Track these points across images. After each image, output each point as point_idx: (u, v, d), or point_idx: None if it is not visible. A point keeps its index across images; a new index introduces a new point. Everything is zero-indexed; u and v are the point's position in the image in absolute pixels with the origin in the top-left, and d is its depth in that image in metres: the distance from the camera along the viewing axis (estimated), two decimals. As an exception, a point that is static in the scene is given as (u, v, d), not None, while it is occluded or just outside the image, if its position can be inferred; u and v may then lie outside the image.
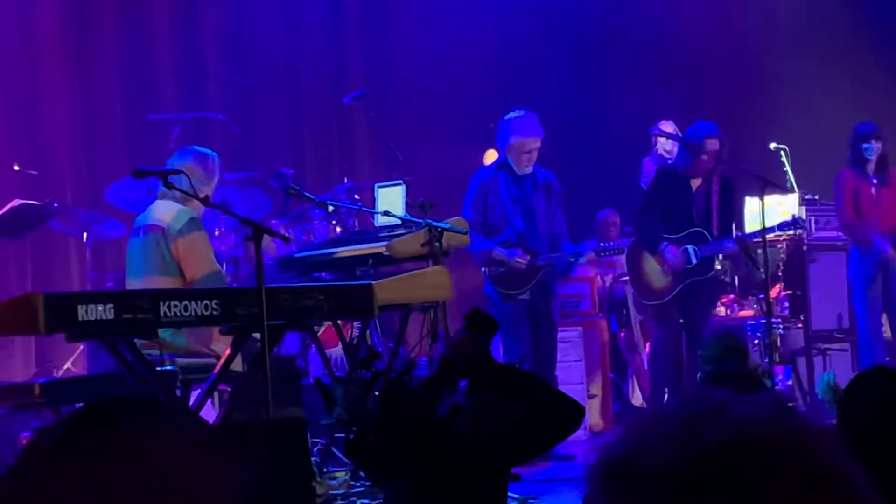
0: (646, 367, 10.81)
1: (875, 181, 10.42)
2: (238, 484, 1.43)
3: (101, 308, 5.79)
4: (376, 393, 3.92)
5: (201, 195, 7.14)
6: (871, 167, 10.42)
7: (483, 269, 9.48)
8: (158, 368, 6.71)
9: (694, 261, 9.85)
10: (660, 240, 9.86)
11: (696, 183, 10.04)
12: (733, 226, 10.30)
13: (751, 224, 11.05)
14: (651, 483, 1.29)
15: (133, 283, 7.39)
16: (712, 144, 9.88)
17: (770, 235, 9.76)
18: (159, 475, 1.37)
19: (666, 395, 10.29)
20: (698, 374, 5.22)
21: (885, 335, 10.66)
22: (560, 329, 9.84)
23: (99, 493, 1.35)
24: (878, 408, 3.26)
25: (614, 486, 1.32)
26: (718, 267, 11.14)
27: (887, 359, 10.41)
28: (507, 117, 9.51)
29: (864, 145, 10.39)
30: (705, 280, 9.97)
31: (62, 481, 1.35)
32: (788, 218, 10.86)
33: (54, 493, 1.35)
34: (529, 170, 9.45)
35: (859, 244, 10.43)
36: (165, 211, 7.37)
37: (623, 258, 10.35)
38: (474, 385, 3.99)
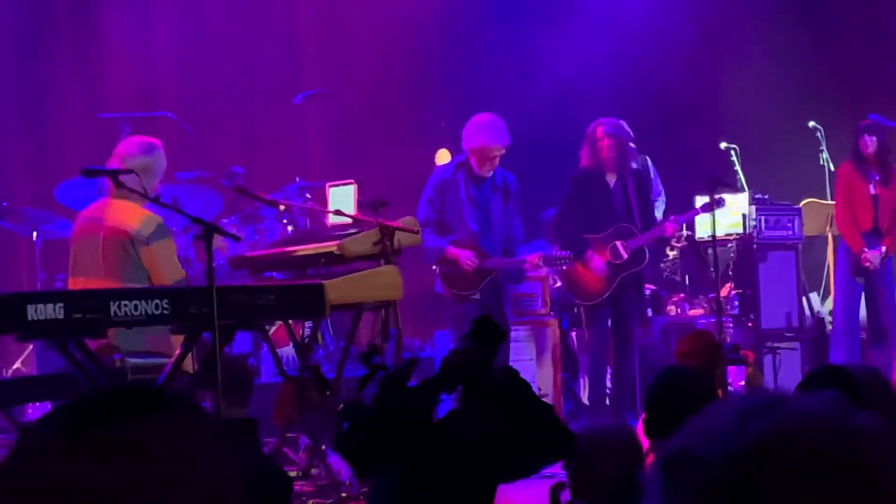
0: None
1: (877, 178, 10.48)
2: (240, 472, 1.42)
3: (50, 308, 5.76)
4: (374, 387, 3.91)
5: (151, 193, 7.11)
6: (869, 163, 10.48)
7: (434, 267, 9.48)
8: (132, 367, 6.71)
9: (625, 256, 9.92)
10: (585, 247, 9.90)
11: (611, 180, 10.12)
12: (654, 218, 10.41)
13: (701, 224, 11.14)
14: (704, 474, 1.30)
15: (85, 284, 7.16)
16: (602, 129, 9.99)
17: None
18: (163, 466, 1.35)
19: (608, 396, 10.36)
20: (664, 368, 5.26)
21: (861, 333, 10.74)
22: (511, 328, 9.84)
23: (103, 486, 1.32)
24: None
25: (670, 478, 1.33)
26: (667, 265, 11.26)
27: (860, 357, 10.48)
28: (476, 119, 9.47)
29: (859, 139, 10.46)
30: (636, 274, 10.07)
31: (66, 475, 1.33)
32: (738, 217, 10.99)
33: (58, 487, 1.32)
34: (489, 174, 9.46)
35: (850, 249, 10.48)
36: (128, 214, 7.20)
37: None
38: (467, 392, 3.98)
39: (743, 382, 9.10)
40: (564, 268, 9.91)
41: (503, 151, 9.40)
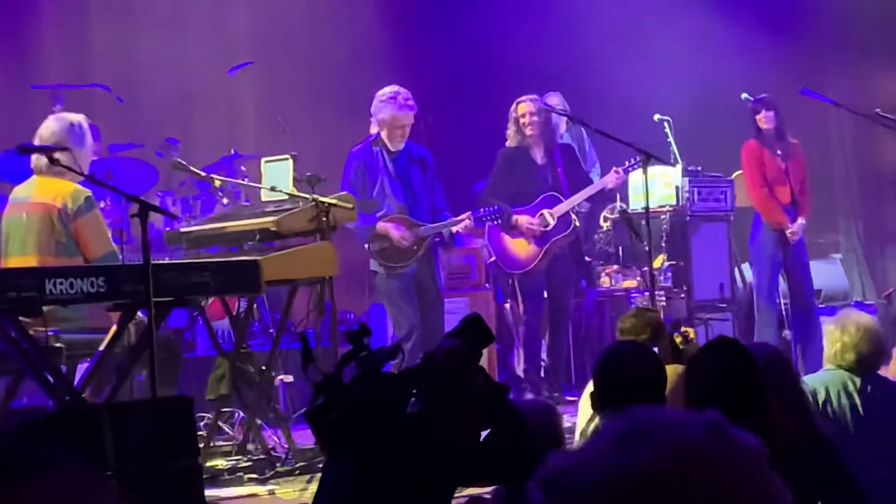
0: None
1: (779, 152, 10.57)
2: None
3: (-17, 286, 5.75)
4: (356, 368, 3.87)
5: (85, 170, 7.09)
6: (771, 138, 10.56)
7: (366, 245, 9.47)
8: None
9: (552, 222, 10.09)
10: (510, 213, 10.05)
11: (539, 157, 10.27)
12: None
13: (634, 196, 11.23)
14: (580, 497, 1.34)
15: (17, 262, 7.10)
16: (524, 108, 10.15)
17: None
18: None
19: (542, 368, 10.46)
20: (610, 344, 5.37)
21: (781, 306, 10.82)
22: (447, 300, 9.88)
23: None
24: (717, 371, 3.94)
25: (550, 497, 1.37)
26: (600, 237, 11.34)
27: (779, 330, 10.59)
28: (381, 92, 9.50)
29: (756, 116, 10.55)
30: (571, 245, 10.22)
31: None
32: (671, 189, 11.10)
33: None
34: (402, 145, 9.48)
35: (771, 225, 10.55)
36: (55, 189, 7.17)
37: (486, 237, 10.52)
38: (440, 392, 3.92)
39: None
40: (497, 223, 9.96)
41: (411, 120, 9.45)
